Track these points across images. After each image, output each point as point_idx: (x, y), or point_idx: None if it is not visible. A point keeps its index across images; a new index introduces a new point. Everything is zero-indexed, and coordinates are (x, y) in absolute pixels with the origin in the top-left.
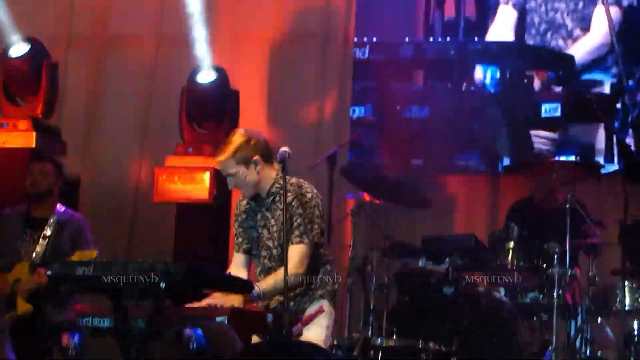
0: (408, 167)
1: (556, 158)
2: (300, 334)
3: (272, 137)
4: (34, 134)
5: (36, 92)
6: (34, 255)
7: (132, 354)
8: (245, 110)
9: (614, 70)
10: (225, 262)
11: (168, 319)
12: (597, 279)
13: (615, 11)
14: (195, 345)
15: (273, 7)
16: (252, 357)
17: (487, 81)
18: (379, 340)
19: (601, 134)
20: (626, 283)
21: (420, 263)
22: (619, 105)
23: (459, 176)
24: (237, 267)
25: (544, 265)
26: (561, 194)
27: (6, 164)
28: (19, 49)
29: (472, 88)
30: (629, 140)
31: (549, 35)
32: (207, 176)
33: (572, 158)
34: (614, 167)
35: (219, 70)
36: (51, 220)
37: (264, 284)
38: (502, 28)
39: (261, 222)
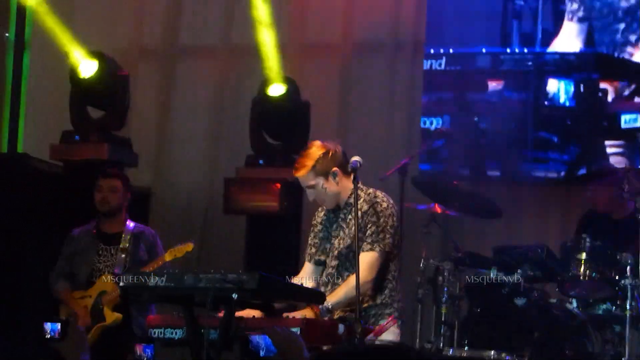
0: (485, 178)
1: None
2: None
3: (342, 148)
4: (106, 145)
5: (107, 105)
6: (115, 267)
7: None
8: (316, 122)
9: None
10: (296, 273)
11: (240, 329)
12: None
13: None
14: (263, 353)
15: (343, 16)
16: None
17: (562, 95)
18: (451, 350)
19: None
20: None
21: (491, 274)
22: None
23: (530, 186)
24: (306, 277)
25: (617, 277)
26: (631, 204)
27: (79, 176)
28: (88, 65)
29: (546, 102)
30: None
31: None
32: (277, 187)
33: None
34: None
35: (289, 81)
36: (126, 234)
37: (334, 297)
38: (565, 43)
39: (336, 233)
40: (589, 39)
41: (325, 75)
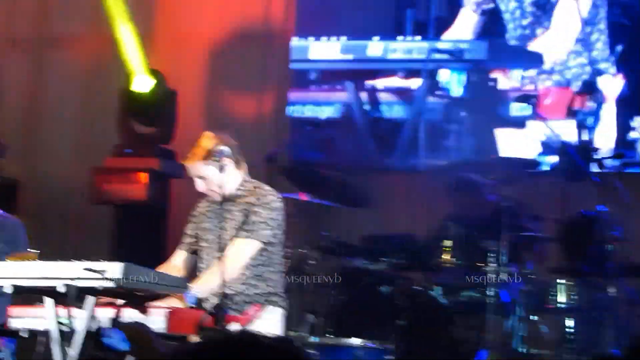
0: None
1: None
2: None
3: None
4: None
5: None
6: None
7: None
8: (184, 112)
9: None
10: (162, 263)
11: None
12: (533, 276)
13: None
14: (115, 346)
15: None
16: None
17: (453, 84)
18: (315, 339)
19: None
20: (562, 281)
21: (358, 262)
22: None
23: (402, 175)
24: (175, 264)
25: (481, 264)
26: (495, 193)
27: None
28: None
29: (437, 92)
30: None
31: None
32: (144, 176)
33: None
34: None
35: (156, 72)
36: None
37: (201, 285)
38: (461, 32)
39: (221, 225)
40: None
41: (196, 65)
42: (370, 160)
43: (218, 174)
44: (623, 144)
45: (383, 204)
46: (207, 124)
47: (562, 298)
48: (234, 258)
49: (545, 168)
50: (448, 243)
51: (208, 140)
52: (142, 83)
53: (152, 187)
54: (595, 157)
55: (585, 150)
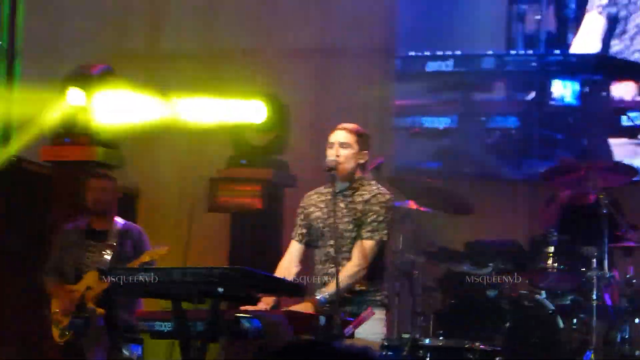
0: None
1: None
2: (352, 335)
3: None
4: (94, 147)
5: None
6: (101, 264)
7: (192, 355)
8: (293, 123)
9: None
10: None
11: (226, 321)
12: (634, 280)
13: None
14: (253, 335)
15: (317, 23)
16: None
17: (567, 95)
18: (427, 340)
19: None
20: None
21: (464, 267)
22: None
23: (502, 183)
24: (291, 258)
25: (583, 268)
26: (592, 196)
27: (70, 176)
28: None
29: (551, 102)
30: None
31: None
32: (259, 187)
33: None
34: None
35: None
36: (114, 231)
37: (330, 288)
38: (588, 37)
39: (332, 214)
40: (609, 33)
41: (302, 79)
42: (480, 169)
43: (357, 154)
44: None
45: (487, 211)
46: (314, 135)
47: None
48: (361, 260)
49: None
50: (551, 249)
51: (364, 130)
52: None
53: (266, 196)
54: None
55: None
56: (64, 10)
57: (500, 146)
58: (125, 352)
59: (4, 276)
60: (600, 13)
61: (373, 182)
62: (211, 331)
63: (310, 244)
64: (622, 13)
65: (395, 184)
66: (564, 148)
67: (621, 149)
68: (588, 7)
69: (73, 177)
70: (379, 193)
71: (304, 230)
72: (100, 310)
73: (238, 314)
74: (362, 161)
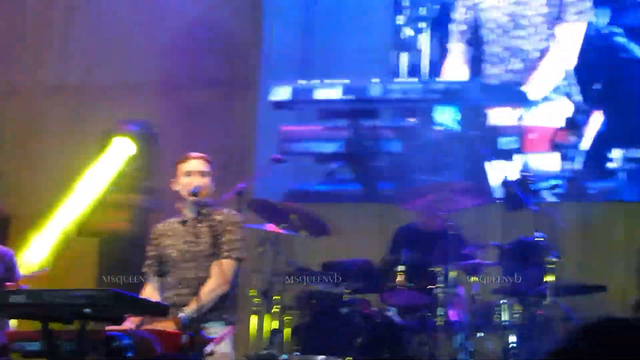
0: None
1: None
2: (212, 353)
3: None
4: None
5: None
6: None
7: None
8: (164, 150)
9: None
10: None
11: (94, 340)
12: (479, 296)
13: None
14: (125, 352)
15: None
16: None
17: (447, 120)
18: (284, 356)
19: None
20: (504, 301)
21: (319, 286)
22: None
23: (356, 204)
24: (151, 291)
25: (430, 286)
26: (440, 219)
27: None
28: None
29: (434, 126)
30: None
31: (507, 63)
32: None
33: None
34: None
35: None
36: None
37: (191, 307)
38: (455, 64)
39: (183, 239)
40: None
41: (171, 109)
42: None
43: (211, 179)
44: (602, 174)
45: (342, 232)
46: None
47: (505, 316)
48: (221, 278)
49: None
50: (401, 268)
51: (203, 157)
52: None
53: (134, 221)
54: (533, 188)
55: (524, 183)
56: None
57: (386, 170)
58: None
59: None
60: (459, 40)
61: (219, 208)
62: (80, 350)
63: (161, 273)
64: (491, 37)
65: (255, 208)
66: (445, 172)
67: (497, 172)
68: (450, 36)
69: None
70: (231, 214)
71: (154, 262)
72: None
73: (109, 333)
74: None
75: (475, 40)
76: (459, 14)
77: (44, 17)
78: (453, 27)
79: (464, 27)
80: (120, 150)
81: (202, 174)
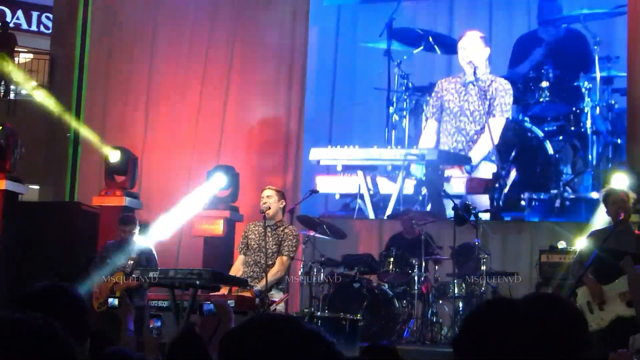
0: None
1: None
2: (274, 310)
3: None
4: (124, 197)
5: (125, 174)
6: (126, 269)
7: (181, 322)
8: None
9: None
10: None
11: (201, 300)
12: (439, 279)
13: (499, 122)
14: (208, 314)
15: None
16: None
17: (418, 174)
18: (319, 313)
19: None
20: (455, 281)
21: (341, 270)
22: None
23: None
24: (239, 264)
25: (410, 271)
26: (417, 230)
27: (109, 215)
28: (115, 155)
29: (409, 177)
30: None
31: (456, 136)
32: (222, 220)
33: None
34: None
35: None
36: (135, 249)
37: (261, 284)
38: (428, 135)
39: (263, 237)
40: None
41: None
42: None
43: (277, 204)
44: (515, 207)
45: (353, 236)
46: (255, 192)
47: (455, 291)
48: (281, 267)
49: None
50: (391, 259)
51: (270, 188)
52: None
53: (226, 227)
54: (473, 212)
55: (468, 208)
56: None
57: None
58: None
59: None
60: (431, 117)
61: (286, 222)
62: (192, 307)
63: (245, 254)
64: (446, 118)
65: (301, 220)
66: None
67: (449, 204)
68: (425, 115)
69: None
70: (291, 228)
71: (243, 245)
72: (124, 295)
73: (201, 301)
74: (281, 206)
75: (438, 119)
76: (433, 99)
77: None
78: (428, 108)
79: (434, 110)
80: (216, 181)
81: (269, 197)
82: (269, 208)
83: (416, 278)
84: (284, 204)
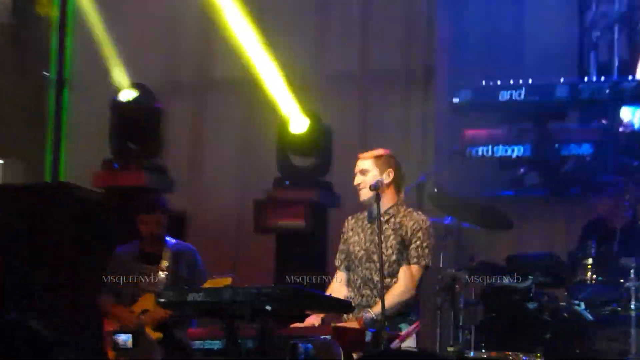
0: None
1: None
2: (399, 349)
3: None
4: (143, 172)
5: (145, 135)
6: (157, 286)
7: None
8: (339, 146)
9: None
10: (323, 286)
11: (275, 338)
12: None
13: None
14: (306, 358)
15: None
16: None
17: (636, 121)
18: (472, 353)
19: None
20: None
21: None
22: None
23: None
24: (340, 284)
25: (621, 280)
26: (631, 212)
27: (119, 201)
28: (128, 94)
29: (621, 128)
30: None
31: None
32: (302, 208)
33: None
34: None
35: (311, 111)
36: (167, 254)
37: (375, 310)
38: None
39: (370, 238)
40: None
41: (346, 102)
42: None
43: (376, 176)
44: None
45: (523, 226)
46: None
47: None
48: (409, 282)
49: None
50: (589, 261)
51: (384, 150)
52: (299, 123)
53: (311, 216)
54: None
55: None
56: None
57: (575, 173)
58: None
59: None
60: None
61: (411, 209)
62: (262, 349)
63: (348, 268)
64: None
65: (435, 201)
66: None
67: None
68: None
69: (124, 202)
70: (422, 220)
71: (343, 256)
72: (158, 335)
73: (293, 339)
74: (387, 180)
75: None
76: None
77: None
78: None
79: None
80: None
81: (362, 172)
82: (360, 189)
83: (633, 291)
84: (391, 174)
